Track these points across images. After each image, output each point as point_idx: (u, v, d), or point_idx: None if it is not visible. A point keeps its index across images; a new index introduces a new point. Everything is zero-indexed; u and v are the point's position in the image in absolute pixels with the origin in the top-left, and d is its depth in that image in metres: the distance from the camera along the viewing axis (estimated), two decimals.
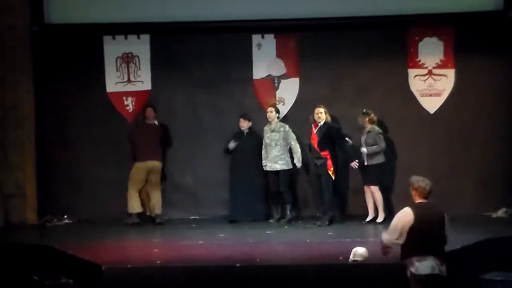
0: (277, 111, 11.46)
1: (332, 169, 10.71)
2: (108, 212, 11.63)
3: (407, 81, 11.90)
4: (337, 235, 9.74)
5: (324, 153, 10.77)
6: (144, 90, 12.11)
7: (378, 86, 11.94)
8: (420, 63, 11.88)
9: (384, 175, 11.09)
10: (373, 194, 10.84)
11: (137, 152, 11.45)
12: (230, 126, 11.92)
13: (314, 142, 10.87)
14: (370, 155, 10.86)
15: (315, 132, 10.91)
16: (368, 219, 10.89)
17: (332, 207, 10.94)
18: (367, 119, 10.99)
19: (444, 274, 6.94)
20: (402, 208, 11.25)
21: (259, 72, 12.03)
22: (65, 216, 11.71)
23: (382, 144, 10.92)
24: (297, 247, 8.94)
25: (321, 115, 10.87)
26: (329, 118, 10.92)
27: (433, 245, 6.92)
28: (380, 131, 11.00)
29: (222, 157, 11.97)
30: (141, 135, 11.49)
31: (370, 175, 10.91)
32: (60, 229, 11.12)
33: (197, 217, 11.88)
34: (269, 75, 12.05)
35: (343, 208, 11.63)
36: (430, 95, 11.87)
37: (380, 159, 10.91)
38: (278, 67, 12.04)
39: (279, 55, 12.03)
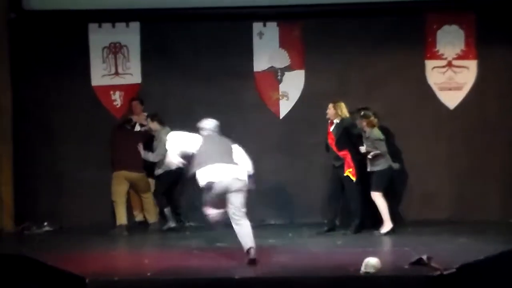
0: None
1: (351, 170, 10.65)
2: (94, 219, 11.62)
3: (424, 74, 11.90)
4: (346, 245, 9.70)
5: (342, 153, 10.72)
6: (134, 84, 12.11)
7: (391, 80, 11.94)
8: (439, 53, 11.87)
9: (391, 180, 10.92)
10: (375, 202, 10.66)
11: (116, 160, 11.46)
12: (228, 123, 11.82)
13: (331, 141, 10.82)
14: (372, 160, 10.67)
15: (331, 130, 10.86)
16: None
17: (360, 213, 10.79)
18: (365, 122, 10.79)
19: None
20: (418, 215, 11.40)
21: (260, 64, 12.04)
22: (46, 223, 11.70)
23: (382, 148, 10.69)
24: (302, 257, 8.87)
25: (329, 111, 10.83)
26: (346, 114, 10.82)
27: None
28: (380, 137, 10.73)
29: None
30: (122, 140, 11.48)
31: (372, 181, 10.71)
32: (40, 238, 11.11)
33: (192, 224, 11.83)
34: (272, 67, 12.06)
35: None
36: (450, 89, 11.86)
37: (384, 164, 10.70)
38: (281, 58, 12.05)
39: (282, 45, 12.03)
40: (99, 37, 12.05)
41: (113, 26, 12.08)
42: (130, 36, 12.07)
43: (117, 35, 12.09)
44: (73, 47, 11.96)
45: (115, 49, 12.07)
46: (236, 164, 8.59)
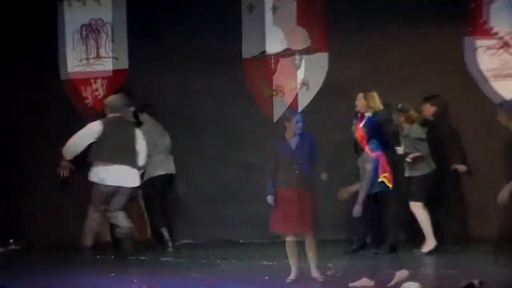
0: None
1: (386, 175, 10.59)
2: (69, 235, 11.56)
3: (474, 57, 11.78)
4: (380, 266, 9.77)
5: (375, 154, 10.64)
6: (119, 70, 12.32)
7: (431, 63, 11.90)
8: (491, 31, 11.75)
9: (435, 188, 10.94)
10: (415, 214, 10.69)
11: None
12: (235, 116, 11.83)
13: (362, 139, 10.78)
14: (411, 163, 10.67)
15: (361, 126, 10.79)
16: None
17: (396, 227, 10.89)
18: (403, 118, 10.78)
19: None
20: (468, 230, 11.33)
21: (274, 45, 12.15)
22: (11, 241, 11.89)
23: (424, 150, 10.71)
24: (326, 281, 8.86)
25: (359, 102, 10.82)
26: (380, 106, 10.80)
27: None
28: (421, 135, 10.77)
29: (222, 160, 12.05)
30: None
31: (411, 189, 10.76)
32: (4, 258, 11.28)
33: (190, 241, 11.86)
34: (288, 49, 12.13)
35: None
36: (506, 76, 11.71)
37: (426, 168, 10.72)
38: (299, 39, 12.11)
39: (301, 22, 12.10)
40: (76, 13, 12.30)
41: None
42: (114, 12, 12.25)
43: (98, 10, 12.36)
44: (45, 25, 12.14)
45: (96, 28, 12.14)
46: (133, 163, 10.38)
